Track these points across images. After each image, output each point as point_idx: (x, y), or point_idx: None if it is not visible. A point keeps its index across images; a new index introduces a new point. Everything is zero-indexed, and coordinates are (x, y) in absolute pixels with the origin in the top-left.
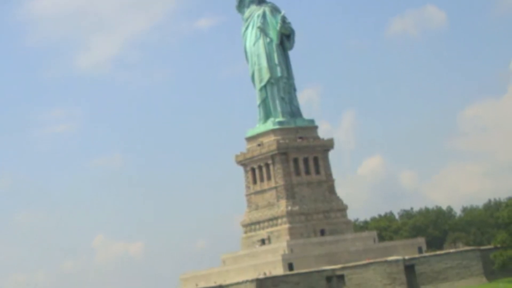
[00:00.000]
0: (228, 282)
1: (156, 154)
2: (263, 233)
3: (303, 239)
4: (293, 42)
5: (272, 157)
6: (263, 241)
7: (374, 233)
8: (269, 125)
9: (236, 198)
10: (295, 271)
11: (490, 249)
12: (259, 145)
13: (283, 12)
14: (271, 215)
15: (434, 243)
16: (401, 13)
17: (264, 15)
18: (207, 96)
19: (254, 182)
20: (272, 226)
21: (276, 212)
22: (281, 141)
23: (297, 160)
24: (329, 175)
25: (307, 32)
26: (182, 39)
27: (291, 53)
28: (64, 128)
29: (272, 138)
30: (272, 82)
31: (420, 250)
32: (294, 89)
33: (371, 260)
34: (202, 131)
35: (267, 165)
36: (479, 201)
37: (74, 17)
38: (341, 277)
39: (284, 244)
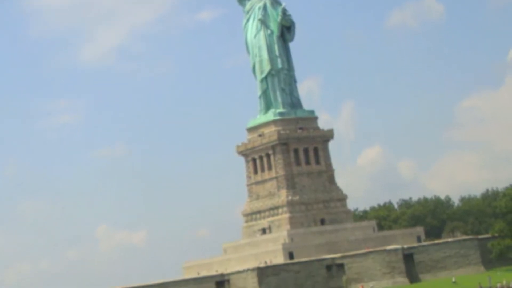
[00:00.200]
0: (229, 270)
1: (158, 144)
2: (264, 223)
3: (304, 229)
4: (294, 34)
5: (273, 147)
6: (264, 231)
7: (374, 223)
8: (270, 116)
9: (238, 188)
10: (295, 260)
11: (488, 238)
12: (260, 135)
13: (283, 4)
14: (271, 205)
15: (433, 232)
16: (400, 5)
17: (265, 8)
18: (209, 87)
19: (255, 172)
20: (272, 215)
21: (276, 201)
22: (281, 132)
23: (297, 150)
24: (329, 165)
25: (308, 24)
26: (184, 31)
27: (291, 45)
28: (68, 118)
29: (272, 128)
30: (272, 73)
31: (418, 239)
32: (295, 81)
33: (371, 249)
34: (203, 121)
35: (267, 155)
36: (477, 191)
37: (78, 9)
38: (341, 266)
39: (285, 233)
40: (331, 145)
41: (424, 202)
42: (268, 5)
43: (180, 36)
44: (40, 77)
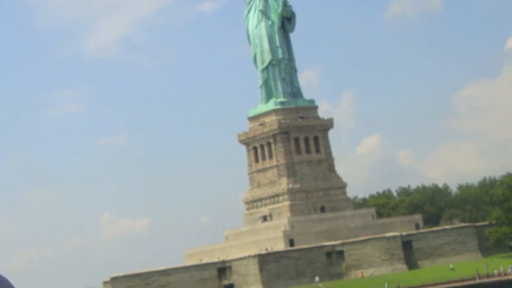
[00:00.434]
0: (231, 257)
1: (161, 133)
2: (264, 210)
3: (304, 216)
4: (294, 24)
5: (274, 136)
6: (264, 218)
7: (373, 210)
8: (271, 105)
9: (239, 176)
10: (296, 247)
11: (485, 226)
12: (261, 124)
13: None
14: (272, 193)
15: (431, 220)
16: None
17: None
18: (211, 77)
19: (256, 160)
20: (273, 203)
21: (277, 189)
22: (282, 121)
23: (298, 139)
24: (329, 153)
25: (308, 15)
26: (187, 22)
27: (292, 35)
28: (72, 108)
29: (273, 117)
30: (273, 63)
31: (417, 226)
32: (295, 70)
33: (370, 236)
34: (205, 111)
35: (268, 144)
36: (475, 179)
37: (82, 0)
38: (341, 253)
39: (285, 220)
40: (331, 134)
41: (422, 190)
42: None
43: (182, 27)
44: (45, 67)
